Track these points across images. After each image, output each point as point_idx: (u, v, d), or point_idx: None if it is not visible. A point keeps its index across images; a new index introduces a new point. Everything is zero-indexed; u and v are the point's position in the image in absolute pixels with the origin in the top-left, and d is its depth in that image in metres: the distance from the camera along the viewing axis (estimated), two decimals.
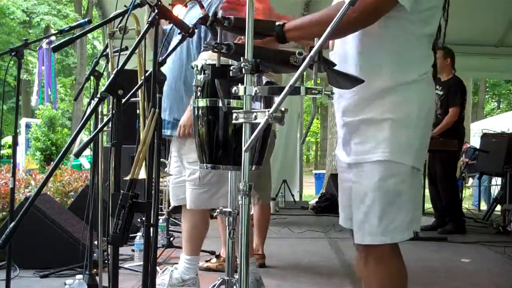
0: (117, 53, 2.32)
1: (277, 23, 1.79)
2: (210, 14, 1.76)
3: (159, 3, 1.84)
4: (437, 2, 1.80)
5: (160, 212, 4.40)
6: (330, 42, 1.89)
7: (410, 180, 1.79)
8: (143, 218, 2.07)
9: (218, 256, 3.81)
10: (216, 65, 1.77)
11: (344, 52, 1.84)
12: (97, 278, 2.97)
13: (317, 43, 1.42)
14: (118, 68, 1.70)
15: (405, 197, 1.78)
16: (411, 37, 1.78)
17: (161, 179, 3.89)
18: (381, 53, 1.78)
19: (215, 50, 1.68)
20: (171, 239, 4.43)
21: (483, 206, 8.94)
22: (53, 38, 3.07)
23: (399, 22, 1.74)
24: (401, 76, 1.78)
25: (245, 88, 1.61)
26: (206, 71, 1.99)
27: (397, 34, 1.77)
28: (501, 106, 26.91)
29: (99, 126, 2.41)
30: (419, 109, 1.80)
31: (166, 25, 2.96)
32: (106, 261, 2.85)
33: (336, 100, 1.92)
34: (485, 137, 7.38)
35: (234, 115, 1.62)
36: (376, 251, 1.81)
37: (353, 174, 1.85)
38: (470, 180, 11.04)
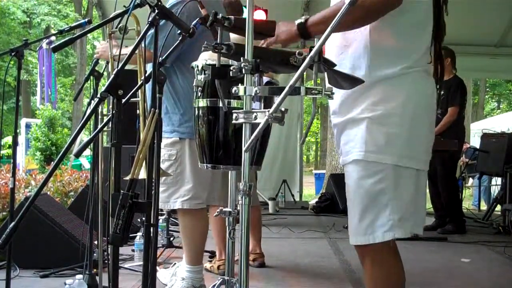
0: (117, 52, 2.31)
1: (298, 20, 1.76)
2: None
3: (159, 3, 1.84)
4: None
5: (160, 212, 4.40)
6: None
7: (393, 179, 1.73)
8: (143, 218, 2.07)
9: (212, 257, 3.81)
10: (216, 65, 1.77)
11: (330, 49, 1.83)
12: (97, 278, 2.97)
13: (317, 43, 1.42)
14: (118, 68, 1.70)
15: (387, 196, 1.72)
16: (389, 29, 1.72)
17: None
18: (359, 48, 1.75)
19: (215, 50, 1.68)
20: (171, 239, 4.43)
21: (483, 206, 8.94)
22: (53, 38, 3.07)
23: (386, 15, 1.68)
24: (378, 71, 1.72)
25: (245, 88, 1.61)
26: (206, 71, 1.99)
27: (373, 28, 1.71)
28: (501, 106, 26.91)
29: (99, 126, 2.41)
30: (404, 105, 1.72)
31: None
32: (106, 261, 2.85)
33: (329, 105, 1.92)
34: (485, 137, 7.37)
35: (234, 115, 1.62)
36: (370, 252, 1.79)
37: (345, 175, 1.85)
38: (470, 180, 11.04)
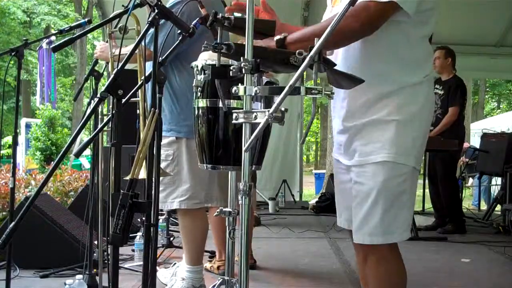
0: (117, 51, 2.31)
1: (277, 37, 1.78)
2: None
3: (159, 3, 1.84)
4: (434, 4, 1.81)
5: (160, 212, 4.40)
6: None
7: (411, 180, 1.81)
8: (143, 218, 2.07)
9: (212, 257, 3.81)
10: (216, 65, 1.77)
11: (345, 57, 1.84)
12: (97, 278, 2.97)
13: (317, 43, 1.42)
14: (118, 68, 1.70)
15: (406, 197, 1.80)
16: (412, 39, 1.79)
17: None
18: (384, 58, 1.80)
19: (215, 50, 1.68)
20: (171, 239, 4.43)
21: (483, 206, 8.95)
22: (53, 38, 3.06)
23: (399, 25, 1.75)
24: (406, 79, 1.80)
25: (245, 88, 1.61)
26: (206, 71, 1.99)
27: (398, 38, 1.78)
28: (501, 106, 26.92)
29: (99, 126, 2.41)
30: (421, 110, 1.81)
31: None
32: (106, 261, 2.85)
33: (335, 108, 1.93)
34: (485, 137, 7.37)
35: (234, 115, 1.62)
36: (376, 251, 1.82)
37: (354, 174, 1.84)
38: (470, 180, 11.04)
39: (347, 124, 1.87)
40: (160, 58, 2.20)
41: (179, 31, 2.14)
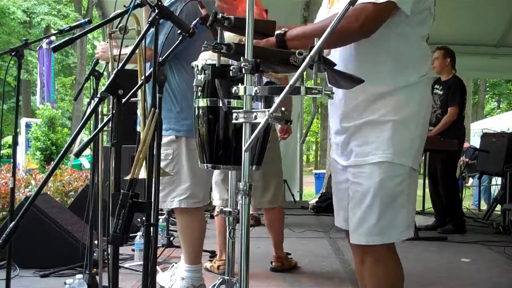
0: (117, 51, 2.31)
1: (277, 32, 1.79)
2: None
3: (159, 3, 1.84)
4: (430, 3, 1.82)
5: (160, 212, 4.40)
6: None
7: (409, 180, 1.80)
8: (143, 218, 2.07)
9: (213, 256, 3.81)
10: (216, 65, 1.77)
11: (343, 58, 1.84)
12: (97, 277, 2.97)
13: (317, 43, 1.42)
14: (118, 68, 1.70)
15: (404, 197, 1.79)
16: (409, 39, 1.80)
17: None
18: (381, 58, 1.80)
19: (215, 50, 1.68)
20: (171, 238, 4.43)
21: (483, 206, 8.95)
22: (53, 38, 3.07)
23: (395, 26, 1.75)
24: (402, 79, 1.79)
25: (245, 88, 1.61)
26: (206, 71, 1.99)
27: (395, 38, 1.78)
28: (501, 106, 26.92)
29: (99, 126, 2.41)
30: (419, 110, 1.81)
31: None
32: (106, 261, 2.85)
33: (332, 108, 1.93)
34: (485, 137, 7.37)
35: (234, 115, 1.62)
36: (373, 251, 1.82)
37: (351, 175, 1.85)
38: (470, 180, 11.04)
39: (344, 125, 1.87)
40: (160, 58, 2.20)
41: (179, 31, 2.14)
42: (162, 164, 2.81)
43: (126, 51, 1.91)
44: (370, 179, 1.78)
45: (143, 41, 2.03)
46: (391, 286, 1.86)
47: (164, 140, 2.82)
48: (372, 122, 1.80)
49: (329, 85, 1.60)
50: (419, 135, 1.83)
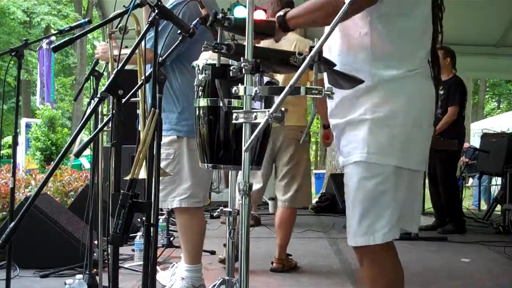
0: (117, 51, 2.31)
1: (278, 14, 1.79)
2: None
3: (159, 3, 1.84)
4: None
5: (160, 212, 4.40)
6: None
7: (395, 180, 1.74)
8: (143, 218, 2.07)
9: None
10: (216, 65, 1.77)
11: (329, 51, 1.84)
12: (97, 278, 2.97)
13: (317, 43, 1.42)
14: (118, 68, 1.70)
15: (388, 197, 1.73)
16: (390, 32, 1.74)
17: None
18: (360, 52, 1.76)
19: (215, 50, 1.68)
20: (171, 238, 4.43)
21: (483, 206, 8.94)
22: (53, 38, 3.07)
23: (377, 19, 1.71)
24: (383, 74, 1.73)
25: (245, 88, 1.61)
26: (206, 71, 1.99)
27: (377, 31, 1.73)
28: (501, 106, 26.92)
29: (99, 126, 2.41)
30: (407, 106, 1.74)
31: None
32: (106, 261, 2.85)
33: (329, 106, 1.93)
34: (485, 137, 7.37)
35: (234, 115, 1.62)
36: (369, 252, 1.80)
37: (344, 175, 1.85)
38: (470, 180, 11.05)
39: (332, 121, 1.87)
40: (161, 59, 2.20)
41: (179, 31, 2.14)
42: (163, 163, 2.81)
43: (126, 51, 1.91)
44: (351, 180, 1.77)
45: (143, 41, 2.03)
46: (388, 286, 1.85)
47: (166, 140, 2.83)
48: (352, 121, 1.77)
49: (328, 85, 1.60)
50: (407, 132, 1.74)
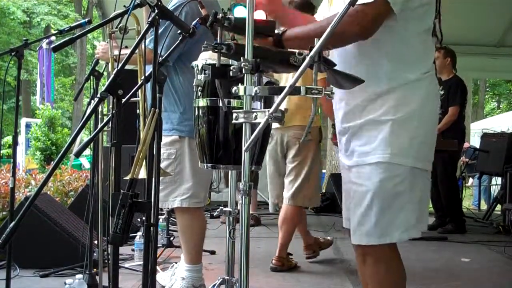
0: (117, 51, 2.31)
1: (276, 31, 1.80)
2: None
3: (159, 3, 1.84)
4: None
5: (160, 212, 4.40)
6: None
7: (411, 180, 1.77)
8: (143, 218, 2.07)
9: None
10: (216, 65, 1.77)
11: (342, 57, 1.84)
12: (97, 277, 2.97)
13: (317, 43, 1.42)
14: (118, 68, 1.70)
15: (404, 198, 1.77)
16: (407, 37, 1.77)
17: None
18: (378, 56, 1.78)
19: (215, 50, 1.68)
20: (171, 238, 4.43)
21: (483, 206, 8.94)
22: (53, 38, 3.07)
23: (394, 24, 1.74)
24: (401, 77, 1.77)
25: (245, 88, 1.61)
26: (206, 71, 1.99)
27: (392, 36, 1.76)
28: (501, 106, 26.91)
29: (99, 126, 2.41)
30: (422, 108, 1.78)
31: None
32: (106, 261, 2.85)
33: (335, 110, 1.93)
34: (485, 137, 7.37)
35: (234, 115, 1.62)
36: (374, 251, 1.81)
37: (352, 175, 1.85)
38: (470, 180, 11.04)
39: (345, 125, 1.87)
40: (161, 59, 2.20)
41: (179, 31, 2.14)
42: (165, 163, 2.81)
43: (126, 51, 1.91)
44: (370, 180, 1.78)
45: (143, 42, 2.03)
46: (393, 286, 1.86)
47: (168, 140, 2.83)
48: (371, 122, 1.79)
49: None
50: (422, 133, 1.79)
